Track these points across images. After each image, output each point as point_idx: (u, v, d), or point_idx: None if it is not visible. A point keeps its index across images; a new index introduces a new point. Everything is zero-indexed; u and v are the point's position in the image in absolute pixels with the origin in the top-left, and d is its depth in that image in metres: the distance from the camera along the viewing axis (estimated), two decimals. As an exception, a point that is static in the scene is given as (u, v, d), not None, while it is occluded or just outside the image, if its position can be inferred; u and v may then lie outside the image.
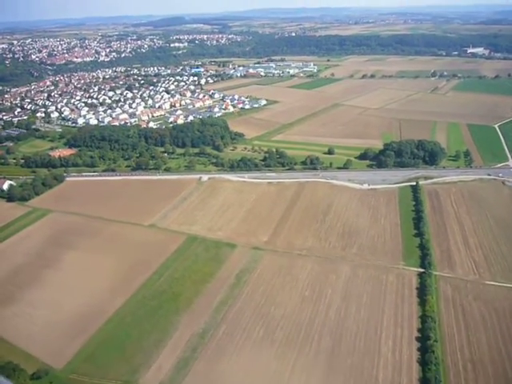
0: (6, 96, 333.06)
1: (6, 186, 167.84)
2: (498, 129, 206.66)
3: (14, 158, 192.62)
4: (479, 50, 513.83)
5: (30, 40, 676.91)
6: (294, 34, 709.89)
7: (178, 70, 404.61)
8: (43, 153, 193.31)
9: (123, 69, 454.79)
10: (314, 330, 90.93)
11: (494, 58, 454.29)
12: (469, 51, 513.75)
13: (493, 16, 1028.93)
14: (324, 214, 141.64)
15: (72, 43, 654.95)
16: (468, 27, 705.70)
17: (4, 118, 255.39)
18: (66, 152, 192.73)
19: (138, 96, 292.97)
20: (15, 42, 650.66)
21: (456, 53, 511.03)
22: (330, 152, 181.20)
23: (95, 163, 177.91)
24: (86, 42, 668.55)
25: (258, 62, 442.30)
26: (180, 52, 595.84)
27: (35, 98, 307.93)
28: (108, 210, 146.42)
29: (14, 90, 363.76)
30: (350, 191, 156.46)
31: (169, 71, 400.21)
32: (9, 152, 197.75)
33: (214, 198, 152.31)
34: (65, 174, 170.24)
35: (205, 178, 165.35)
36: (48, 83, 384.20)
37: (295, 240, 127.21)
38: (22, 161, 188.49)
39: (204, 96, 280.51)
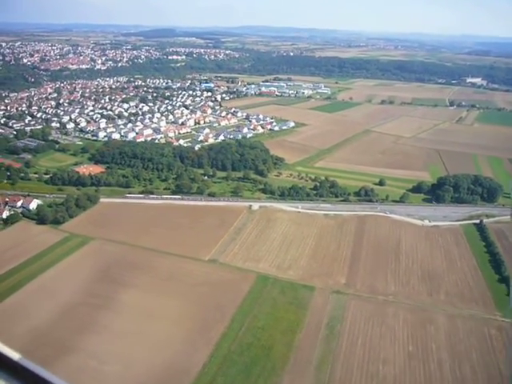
0: (7, 101, 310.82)
1: (33, 206, 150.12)
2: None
3: (36, 173, 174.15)
4: (477, 81, 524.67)
5: (19, 43, 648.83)
6: (292, 54, 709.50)
7: (188, 84, 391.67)
8: (68, 169, 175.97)
9: (125, 79, 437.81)
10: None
11: (494, 90, 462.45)
12: (468, 81, 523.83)
13: (476, 47, 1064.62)
14: (395, 253, 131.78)
15: (65, 49, 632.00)
16: (461, 57, 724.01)
17: (14, 126, 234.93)
18: (93, 169, 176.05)
19: (156, 110, 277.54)
20: (4, 44, 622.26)
21: (455, 81, 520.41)
22: (380, 183, 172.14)
23: (130, 183, 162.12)
24: (79, 48, 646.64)
25: (266, 80, 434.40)
26: (178, 65, 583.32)
27: (43, 106, 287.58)
28: (157, 240, 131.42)
29: (13, 95, 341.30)
30: (413, 228, 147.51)
31: (178, 84, 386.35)
32: (28, 165, 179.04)
33: (272, 231, 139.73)
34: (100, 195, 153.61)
35: (255, 206, 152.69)
36: (49, 90, 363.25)
37: (375, 283, 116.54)
38: (46, 176, 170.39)
39: (227, 114, 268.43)
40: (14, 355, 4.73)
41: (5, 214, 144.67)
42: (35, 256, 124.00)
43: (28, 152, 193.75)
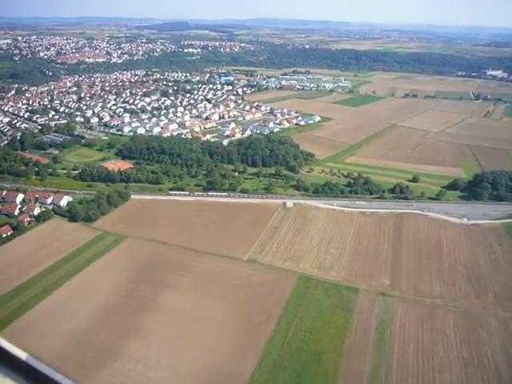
0: (28, 95, 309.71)
1: (64, 202, 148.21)
2: None
3: (64, 168, 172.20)
4: (498, 73, 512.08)
5: (35, 37, 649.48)
6: (307, 47, 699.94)
7: (207, 78, 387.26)
8: (95, 164, 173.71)
9: (142, 72, 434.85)
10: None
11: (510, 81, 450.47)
12: (488, 73, 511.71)
13: (493, 38, 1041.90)
14: (437, 252, 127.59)
15: (80, 42, 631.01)
16: (480, 48, 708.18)
17: (38, 120, 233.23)
18: (121, 165, 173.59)
19: (179, 104, 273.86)
20: (20, 38, 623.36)
21: (475, 74, 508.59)
22: (414, 180, 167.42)
23: (160, 180, 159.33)
24: (94, 42, 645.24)
25: (285, 74, 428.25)
26: (194, 58, 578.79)
27: (65, 100, 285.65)
28: (192, 239, 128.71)
29: (32, 89, 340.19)
30: (452, 226, 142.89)
31: (197, 78, 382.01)
32: (56, 161, 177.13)
33: (310, 229, 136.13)
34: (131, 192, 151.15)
35: (289, 203, 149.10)
36: (68, 83, 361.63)
37: (420, 284, 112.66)
38: (74, 172, 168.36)
39: (251, 108, 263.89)
40: (22, 354, 4.76)
41: (36, 211, 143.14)
42: (70, 255, 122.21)
43: (55, 147, 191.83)
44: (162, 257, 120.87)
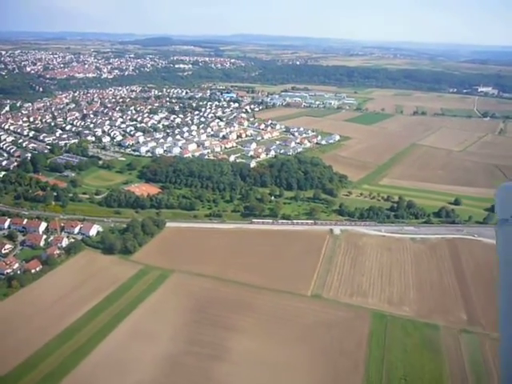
0: (24, 112, 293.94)
1: (93, 232, 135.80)
2: None
3: (85, 193, 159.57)
4: (489, 90, 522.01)
5: (19, 51, 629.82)
6: (298, 63, 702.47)
7: (209, 94, 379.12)
8: (119, 188, 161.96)
9: (138, 88, 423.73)
10: None
11: (505, 98, 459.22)
12: (479, 90, 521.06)
13: (472, 56, 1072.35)
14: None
15: (67, 57, 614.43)
16: (465, 65, 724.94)
17: (46, 139, 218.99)
18: (147, 189, 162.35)
19: (190, 122, 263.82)
20: (3, 53, 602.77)
21: (466, 90, 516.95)
22: (456, 202, 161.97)
23: (194, 205, 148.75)
24: (81, 57, 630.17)
25: (286, 90, 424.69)
26: (186, 73, 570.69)
27: (68, 118, 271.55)
28: (243, 271, 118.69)
29: (27, 105, 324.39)
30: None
31: (200, 94, 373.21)
32: (75, 184, 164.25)
33: (365, 258, 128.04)
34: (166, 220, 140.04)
35: (336, 230, 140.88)
36: (64, 100, 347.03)
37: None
38: (97, 197, 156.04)
39: (266, 127, 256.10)
40: None
41: (64, 242, 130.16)
42: (114, 293, 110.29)
43: (70, 169, 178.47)
44: (216, 294, 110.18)
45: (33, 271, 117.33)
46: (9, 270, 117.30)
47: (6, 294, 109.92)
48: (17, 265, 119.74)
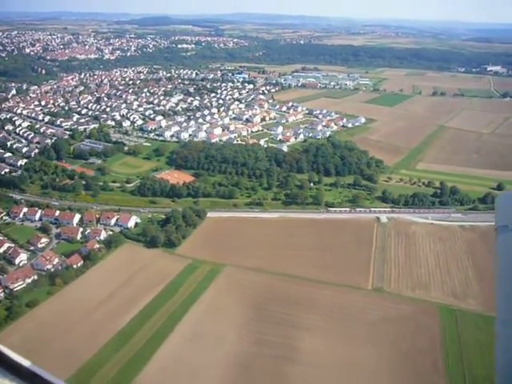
0: (33, 96, 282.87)
1: (132, 223, 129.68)
2: None
3: (114, 181, 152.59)
4: (498, 68, 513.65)
5: (15, 32, 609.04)
6: (302, 42, 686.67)
7: (220, 75, 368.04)
8: (150, 175, 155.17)
9: (145, 69, 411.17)
10: None
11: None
12: (489, 69, 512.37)
13: (472, 34, 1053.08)
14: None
15: (66, 38, 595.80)
16: (471, 44, 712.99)
17: (63, 124, 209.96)
18: (179, 176, 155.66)
19: (209, 105, 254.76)
20: (0, 34, 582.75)
21: (475, 70, 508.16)
22: (499, 188, 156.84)
23: (233, 194, 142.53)
24: (81, 37, 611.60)
25: (296, 71, 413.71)
26: (189, 54, 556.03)
27: (82, 101, 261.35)
28: (295, 264, 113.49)
29: (33, 88, 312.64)
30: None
31: (211, 76, 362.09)
32: (103, 172, 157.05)
33: (419, 248, 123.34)
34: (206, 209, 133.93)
35: (383, 218, 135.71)
36: (71, 82, 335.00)
37: None
38: (129, 185, 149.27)
39: (288, 109, 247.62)
40: (25, 362, 4.76)
41: (103, 235, 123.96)
42: (165, 290, 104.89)
43: (95, 156, 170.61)
44: (272, 289, 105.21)
45: (74, 267, 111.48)
46: (49, 266, 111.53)
47: (49, 292, 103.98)
48: (57, 260, 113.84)
